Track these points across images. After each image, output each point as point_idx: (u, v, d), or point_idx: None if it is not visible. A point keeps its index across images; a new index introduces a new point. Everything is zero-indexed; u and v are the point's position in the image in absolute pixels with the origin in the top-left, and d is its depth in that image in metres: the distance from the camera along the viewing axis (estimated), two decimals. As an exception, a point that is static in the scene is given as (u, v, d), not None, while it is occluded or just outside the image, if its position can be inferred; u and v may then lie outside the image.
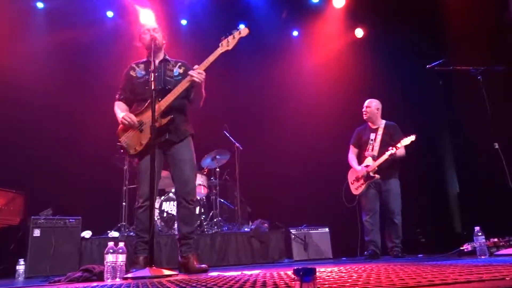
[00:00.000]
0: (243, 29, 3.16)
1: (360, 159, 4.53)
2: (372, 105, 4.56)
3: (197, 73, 3.04)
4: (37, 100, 5.41)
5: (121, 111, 3.21)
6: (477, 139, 4.62)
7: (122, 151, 3.17)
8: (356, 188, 4.48)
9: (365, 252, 4.32)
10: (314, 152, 6.27)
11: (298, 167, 6.40)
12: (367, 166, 4.37)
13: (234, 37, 3.12)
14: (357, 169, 4.45)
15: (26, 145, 5.28)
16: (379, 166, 4.30)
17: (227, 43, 3.11)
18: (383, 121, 4.57)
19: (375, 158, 4.36)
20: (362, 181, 4.40)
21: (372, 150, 4.42)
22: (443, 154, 6.29)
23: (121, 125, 3.16)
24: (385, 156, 4.24)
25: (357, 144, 4.62)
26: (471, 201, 5.43)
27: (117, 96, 3.31)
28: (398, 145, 4.23)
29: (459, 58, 5.15)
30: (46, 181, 5.11)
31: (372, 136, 4.49)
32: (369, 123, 4.62)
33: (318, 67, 6.99)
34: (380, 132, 4.48)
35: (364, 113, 4.58)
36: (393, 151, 4.20)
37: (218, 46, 3.12)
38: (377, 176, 4.30)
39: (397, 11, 6.16)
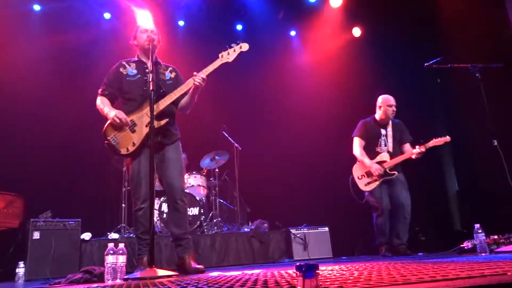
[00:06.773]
0: (243, 44, 3.21)
1: (368, 153, 4.28)
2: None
3: (201, 78, 3.03)
4: (35, 102, 5.38)
5: (108, 107, 3.10)
6: (476, 136, 4.63)
7: (110, 150, 3.08)
8: (366, 184, 4.23)
9: (382, 253, 4.23)
10: (313, 151, 6.26)
11: (297, 167, 6.39)
12: (381, 162, 4.18)
13: (235, 50, 3.17)
14: (370, 165, 4.17)
15: (24, 147, 5.25)
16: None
17: (228, 55, 3.15)
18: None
19: (392, 155, 4.20)
20: (375, 177, 4.17)
21: (386, 146, 4.27)
22: (442, 151, 6.28)
23: (109, 122, 3.07)
24: (411, 154, 4.10)
25: (365, 137, 4.33)
26: (471, 199, 5.43)
27: (100, 91, 3.20)
28: (430, 143, 4.09)
29: (457, 55, 5.15)
30: (45, 184, 5.08)
31: (383, 131, 4.32)
32: (379, 119, 4.41)
33: (316, 67, 6.99)
34: (389, 128, 4.33)
35: (393, 111, 4.33)
36: (423, 150, 4.06)
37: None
38: (395, 173, 4.14)
39: (394, 9, 6.17)
